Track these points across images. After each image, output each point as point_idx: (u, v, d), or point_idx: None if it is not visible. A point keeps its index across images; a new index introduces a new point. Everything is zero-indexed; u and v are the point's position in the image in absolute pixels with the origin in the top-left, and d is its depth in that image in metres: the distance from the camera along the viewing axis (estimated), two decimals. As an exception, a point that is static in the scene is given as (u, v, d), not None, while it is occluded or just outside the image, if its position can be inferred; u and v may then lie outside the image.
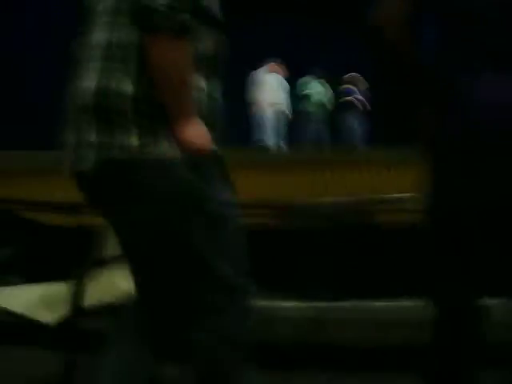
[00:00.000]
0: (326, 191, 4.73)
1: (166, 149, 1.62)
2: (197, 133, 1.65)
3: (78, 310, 2.23)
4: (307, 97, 9.91)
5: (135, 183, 1.64)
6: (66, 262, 2.31)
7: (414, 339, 2.45)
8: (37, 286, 2.50)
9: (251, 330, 1.77)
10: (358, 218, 3.20)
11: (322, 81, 10.04)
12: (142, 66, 1.62)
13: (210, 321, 1.72)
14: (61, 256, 2.94)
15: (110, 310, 2.27)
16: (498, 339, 2.10)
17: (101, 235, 2.36)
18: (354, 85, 10.00)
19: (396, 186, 4.76)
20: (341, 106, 9.94)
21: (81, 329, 2.28)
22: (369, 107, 9.91)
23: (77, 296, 2.23)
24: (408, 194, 2.91)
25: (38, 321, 2.26)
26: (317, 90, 9.98)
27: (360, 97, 9.92)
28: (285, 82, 9.57)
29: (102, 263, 2.40)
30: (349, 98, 9.90)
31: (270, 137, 9.28)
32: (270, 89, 9.34)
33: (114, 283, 2.27)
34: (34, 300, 2.36)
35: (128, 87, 1.62)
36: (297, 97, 9.81)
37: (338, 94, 10.03)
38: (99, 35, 1.69)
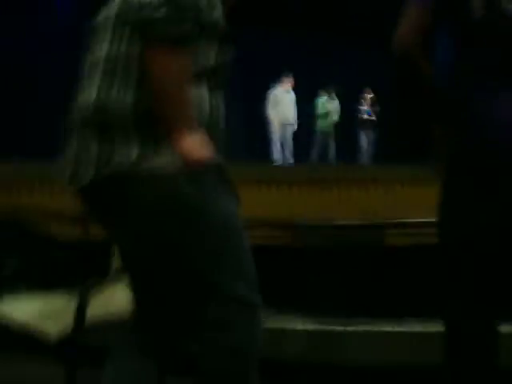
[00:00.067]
0: (333, 209, 4.72)
1: (165, 161, 1.61)
2: (196, 145, 1.63)
3: (80, 323, 2.20)
4: (317, 115, 9.96)
5: (133, 196, 1.63)
6: (72, 273, 2.30)
7: (425, 362, 2.42)
8: (41, 296, 2.48)
9: (260, 345, 1.72)
10: (371, 239, 3.17)
11: (333, 96, 10.07)
12: (141, 79, 1.61)
13: (214, 335, 1.68)
14: (67, 267, 2.93)
15: (112, 324, 2.24)
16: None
17: (109, 247, 2.34)
18: (369, 103, 10.04)
19: (405, 204, 4.75)
20: (357, 124, 10.00)
21: (83, 343, 2.24)
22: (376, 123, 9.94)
23: (80, 309, 2.20)
24: (422, 219, 2.88)
25: (41, 331, 2.24)
26: (327, 107, 10.02)
27: (371, 114, 9.96)
28: (293, 96, 9.62)
29: (107, 275, 2.38)
30: (365, 116, 9.95)
31: (280, 153, 9.34)
32: (282, 107, 9.40)
33: (118, 296, 2.24)
34: (37, 310, 2.35)
35: (128, 100, 1.61)
36: (312, 115, 9.86)
37: (354, 111, 10.06)
38: (101, 48, 1.69)
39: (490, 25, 1.78)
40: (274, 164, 9.17)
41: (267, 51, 10.11)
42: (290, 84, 9.55)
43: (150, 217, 1.64)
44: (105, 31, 1.69)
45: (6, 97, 8.30)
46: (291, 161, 9.44)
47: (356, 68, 10.55)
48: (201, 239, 1.66)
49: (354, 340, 2.88)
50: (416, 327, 2.85)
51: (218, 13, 1.68)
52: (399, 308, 2.98)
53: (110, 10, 1.71)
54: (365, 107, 10.09)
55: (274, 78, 9.51)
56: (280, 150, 9.44)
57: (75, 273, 2.49)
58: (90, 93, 1.67)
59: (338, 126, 9.99)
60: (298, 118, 9.68)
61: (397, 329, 2.85)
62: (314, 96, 10.07)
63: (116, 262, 2.27)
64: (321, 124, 9.99)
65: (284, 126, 9.42)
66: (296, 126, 9.64)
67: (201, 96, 1.67)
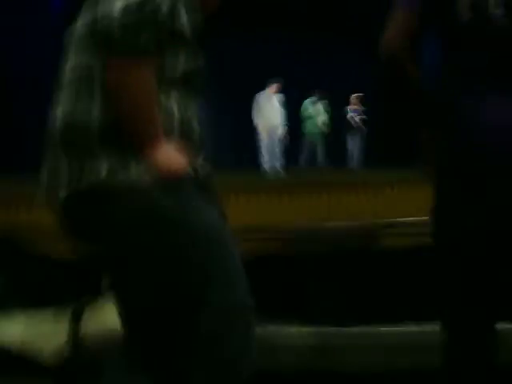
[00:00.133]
0: (324, 214, 4.72)
1: (137, 175, 1.59)
2: (166, 156, 1.60)
3: (75, 342, 2.18)
4: (305, 119, 9.97)
5: (108, 212, 1.61)
6: (66, 292, 2.28)
7: (423, 365, 2.41)
8: (35, 315, 2.46)
9: (254, 356, 1.68)
10: (362, 243, 3.16)
11: (321, 101, 10.09)
12: (106, 92, 1.59)
13: (206, 348, 1.63)
14: (61, 285, 2.90)
15: (107, 342, 2.22)
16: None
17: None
18: (356, 102, 10.07)
19: (395, 207, 4.76)
20: (345, 127, 10.02)
21: (79, 362, 2.22)
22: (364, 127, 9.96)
23: (75, 328, 2.18)
24: (411, 218, 2.88)
25: (35, 351, 2.22)
26: (315, 111, 10.03)
27: (361, 117, 9.99)
28: (281, 101, 9.61)
29: (100, 293, 2.36)
30: (352, 119, 9.97)
31: (268, 160, 9.33)
32: (269, 111, 9.39)
33: (112, 313, 2.22)
34: (31, 329, 2.33)
35: (94, 115, 1.59)
36: (298, 119, 9.87)
37: (343, 114, 10.07)
38: (70, 63, 1.67)
39: (476, 28, 1.78)
40: (263, 171, 9.14)
41: (255, 57, 10.12)
42: (275, 89, 9.54)
43: (127, 232, 1.61)
44: (74, 43, 1.68)
45: (5, 112, 8.27)
46: (279, 166, 9.42)
47: (344, 71, 10.58)
48: (182, 252, 1.62)
49: (351, 345, 2.88)
50: (413, 329, 2.85)
51: (183, 20, 1.64)
52: (395, 311, 2.98)
53: (79, 21, 1.69)
54: (352, 107, 10.09)
55: (262, 85, 9.50)
56: (268, 157, 9.42)
57: (69, 291, 2.46)
58: (58, 109, 1.65)
59: (326, 129, 9.99)
60: (287, 123, 9.66)
61: (394, 330, 2.84)
62: (303, 100, 10.06)
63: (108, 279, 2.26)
64: (307, 127, 9.98)
65: (270, 131, 9.40)
66: (282, 130, 9.61)
67: (170, 106, 1.65)
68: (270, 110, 9.45)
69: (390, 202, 5.03)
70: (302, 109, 10.00)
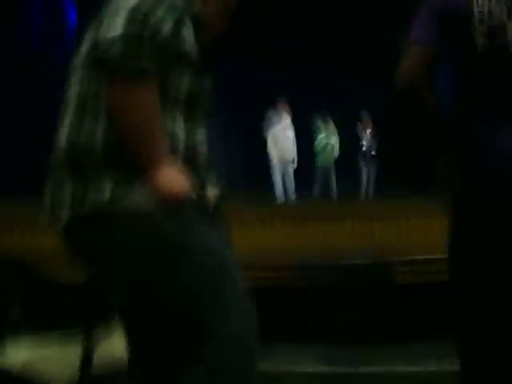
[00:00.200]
0: (337, 244, 4.68)
1: (140, 198, 1.57)
2: (169, 179, 1.58)
3: (87, 369, 2.14)
4: (316, 149, 9.98)
5: (110, 235, 1.59)
6: (75, 317, 2.25)
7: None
8: (44, 341, 2.44)
9: None
10: (377, 276, 3.13)
11: (331, 129, 10.11)
12: (110, 116, 1.58)
13: (204, 378, 1.58)
14: (69, 310, 2.87)
15: (118, 368, 2.18)
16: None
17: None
18: (365, 134, 10.08)
19: (408, 238, 4.72)
20: (358, 155, 10.02)
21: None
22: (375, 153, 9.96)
23: (86, 355, 2.15)
24: (427, 257, 2.84)
25: (46, 378, 2.19)
26: (326, 141, 10.05)
27: (369, 147, 9.99)
28: (292, 133, 9.63)
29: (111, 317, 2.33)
30: (365, 146, 9.97)
31: (281, 190, 9.34)
32: (280, 143, 9.42)
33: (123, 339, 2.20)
34: (41, 356, 2.31)
35: (98, 139, 1.59)
36: (306, 146, 9.87)
37: (353, 142, 10.08)
38: (73, 90, 1.67)
39: (492, 56, 1.77)
40: (277, 201, 9.13)
41: (263, 82, 10.17)
42: (285, 110, 9.55)
43: (128, 255, 1.59)
44: (78, 69, 1.68)
45: (8, 135, 8.35)
46: (293, 197, 9.43)
47: (354, 98, 10.60)
48: (182, 277, 1.59)
49: (367, 381, 2.82)
50: (430, 366, 2.79)
51: (188, 41, 1.64)
52: (410, 347, 2.93)
53: (84, 44, 1.69)
54: (364, 140, 10.11)
55: (269, 109, 9.52)
56: (282, 187, 9.44)
57: (78, 316, 2.44)
58: (63, 134, 1.65)
59: (338, 159, 9.99)
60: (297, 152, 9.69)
61: (410, 369, 2.79)
62: (310, 125, 10.08)
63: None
64: (320, 159, 10.00)
65: (284, 162, 9.43)
66: (295, 164, 9.64)
67: (175, 128, 1.64)
68: (284, 142, 9.48)
69: (404, 233, 4.99)
70: (317, 142, 10.01)
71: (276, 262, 3.44)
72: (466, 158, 1.80)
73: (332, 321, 3.07)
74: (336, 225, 5.03)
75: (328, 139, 10.06)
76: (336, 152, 10.07)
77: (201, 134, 1.71)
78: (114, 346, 2.26)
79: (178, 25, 1.60)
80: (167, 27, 1.57)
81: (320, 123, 10.08)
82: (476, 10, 1.77)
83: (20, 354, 2.34)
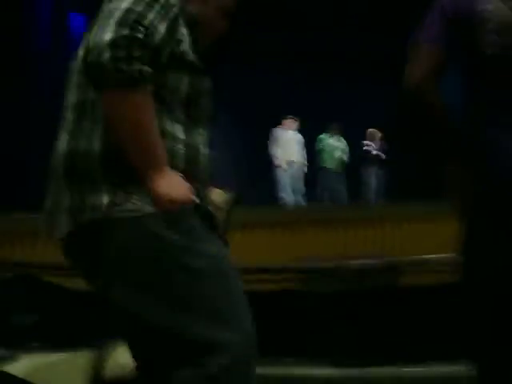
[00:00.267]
0: (342, 249, 4.68)
1: (139, 205, 1.54)
2: (169, 186, 1.55)
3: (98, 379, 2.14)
4: (323, 152, 9.94)
5: (107, 243, 1.56)
6: (91, 329, 2.24)
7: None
8: (58, 354, 2.43)
9: None
10: (384, 280, 3.12)
11: (338, 135, 10.08)
12: (106, 124, 1.56)
13: None
14: (86, 322, 2.86)
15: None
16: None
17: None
18: (373, 140, 10.05)
19: (412, 242, 4.71)
20: (360, 161, 9.99)
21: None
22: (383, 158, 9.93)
23: (98, 368, 2.14)
24: (434, 256, 2.84)
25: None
26: (333, 145, 10.02)
27: (379, 152, 9.96)
28: (300, 137, 9.61)
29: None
30: (369, 153, 9.94)
31: (289, 194, 9.31)
32: (288, 146, 9.40)
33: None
34: (54, 369, 2.29)
35: (95, 147, 1.56)
36: (315, 152, 9.85)
37: (358, 149, 10.05)
38: (72, 96, 1.65)
39: (502, 62, 1.77)
40: (284, 205, 9.10)
41: (271, 91, 10.15)
42: (293, 125, 9.55)
43: (127, 262, 1.56)
44: (75, 74, 1.65)
45: (7, 148, 8.33)
46: (302, 202, 9.38)
47: (361, 103, 10.59)
48: (178, 283, 1.56)
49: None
50: (442, 369, 2.77)
51: (185, 42, 1.61)
52: (415, 350, 2.92)
53: (80, 51, 1.66)
54: (373, 144, 10.08)
55: (277, 119, 9.52)
56: (289, 192, 9.39)
57: (94, 327, 2.43)
58: (62, 142, 1.63)
59: (346, 164, 9.96)
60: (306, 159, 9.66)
61: (421, 372, 2.78)
62: (318, 135, 10.06)
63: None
64: (325, 161, 9.95)
65: (294, 169, 9.39)
66: (306, 168, 9.62)
67: (174, 131, 1.61)
68: (292, 145, 9.45)
69: (408, 237, 4.99)
70: (317, 142, 9.97)
71: (282, 265, 3.43)
72: (477, 162, 1.79)
73: (338, 326, 3.07)
74: (344, 229, 5.04)
75: (333, 143, 10.03)
76: (345, 156, 10.03)
77: (202, 136, 1.69)
78: (125, 359, 2.25)
79: (173, 25, 1.57)
80: (162, 28, 1.54)
81: (329, 130, 10.04)
82: (486, 12, 1.77)
83: (32, 367, 2.33)
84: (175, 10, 1.60)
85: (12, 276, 3.35)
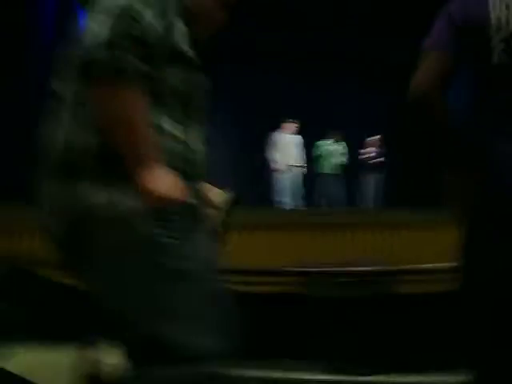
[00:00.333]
0: (341, 254, 4.67)
1: (125, 201, 1.55)
2: (159, 182, 1.55)
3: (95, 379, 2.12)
4: (322, 158, 9.95)
5: (90, 239, 1.58)
6: (82, 324, 2.23)
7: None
8: (46, 349, 2.42)
9: None
10: (384, 287, 3.11)
11: (338, 141, 10.08)
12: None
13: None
14: (76, 316, 2.85)
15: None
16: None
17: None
18: (374, 147, 10.06)
19: (409, 248, 4.71)
20: (359, 167, 9.99)
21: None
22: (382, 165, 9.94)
23: (86, 363, 2.13)
24: (438, 264, 2.83)
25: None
26: (331, 149, 10.02)
27: (377, 157, 9.97)
28: (299, 139, 9.61)
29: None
30: (368, 160, 9.95)
31: (288, 198, 9.30)
32: (287, 150, 9.39)
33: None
34: (40, 363, 2.28)
35: (91, 141, 1.57)
36: (313, 158, 9.86)
37: (358, 156, 10.06)
38: (66, 90, 1.65)
39: (509, 67, 1.76)
40: (284, 208, 9.08)
41: (271, 97, 10.14)
42: (292, 127, 9.54)
43: (105, 258, 1.58)
44: (68, 68, 1.65)
45: (6, 140, 8.32)
46: (301, 205, 9.38)
47: (361, 110, 10.59)
48: (153, 283, 1.57)
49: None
50: (439, 379, 2.76)
51: (181, 38, 1.62)
52: (413, 358, 2.91)
53: (74, 46, 1.66)
54: (371, 149, 10.08)
55: (276, 119, 9.51)
56: (288, 196, 9.38)
57: (82, 323, 2.42)
58: (57, 134, 1.63)
59: (344, 169, 9.96)
60: (305, 164, 9.65)
61: (419, 381, 2.77)
62: (318, 136, 10.06)
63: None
64: (323, 167, 9.95)
65: (293, 173, 9.38)
66: (305, 170, 9.62)
67: (166, 127, 1.61)
68: (291, 148, 9.44)
69: (406, 244, 4.97)
70: (315, 148, 9.96)
71: (282, 268, 3.42)
72: (481, 171, 1.79)
73: (338, 331, 3.06)
74: (342, 233, 5.03)
75: (330, 147, 10.03)
76: (344, 159, 10.03)
77: (198, 133, 1.69)
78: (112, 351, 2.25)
79: (169, 21, 1.58)
80: (159, 25, 1.55)
81: (330, 136, 10.04)
82: (494, 20, 1.77)
83: (23, 362, 2.33)
84: (172, 4, 1.61)
85: (6, 269, 3.34)
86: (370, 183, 9.99)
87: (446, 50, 1.80)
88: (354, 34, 10.08)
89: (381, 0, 9.55)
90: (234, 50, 9.46)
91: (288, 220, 5.60)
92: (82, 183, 1.57)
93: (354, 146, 10.09)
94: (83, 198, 1.56)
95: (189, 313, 1.58)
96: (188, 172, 1.64)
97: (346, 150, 10.07)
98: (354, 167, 10.02)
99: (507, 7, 1.77)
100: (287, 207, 9.09)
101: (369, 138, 10.10)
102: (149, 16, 1.53)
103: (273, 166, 9.35)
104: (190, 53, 1.65)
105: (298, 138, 9.56)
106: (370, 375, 2.81)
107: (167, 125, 1.61)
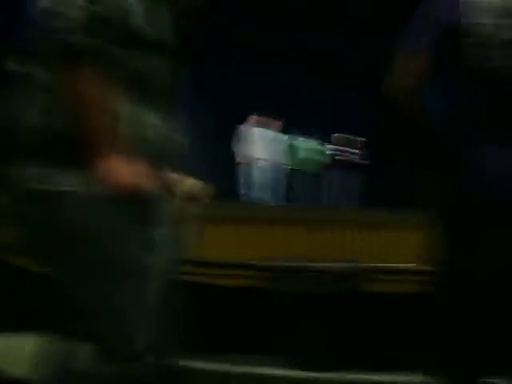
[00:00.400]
0: (308, 250, 4.67)
1: (75, 183, 1.53)
2: (119, 169, 1.52)
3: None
4: (294, 153, 9.93)
5: (30, 218, 1.58)
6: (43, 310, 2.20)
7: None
8: (8, 335, 2.39)
9: None
10: (356, 285, 3.11)
11: (313, 138, 10.07)
12: (52, 101, 1.54)
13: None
14: (43, 305, 2.81)
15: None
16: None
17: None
18: (345, 145, 10.07)
19: (385, 248, 4.72)
20: (331, 165, 10.01)
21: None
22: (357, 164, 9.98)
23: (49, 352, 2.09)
24: (408, 265, 2.84)
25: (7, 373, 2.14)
26: (305, 147, 10.01)
27: (351, 156, 9.99)
28: (273, 136, 9.56)
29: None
30: (338, 157, 9.97)
31: (255, 192, 9.25)
32: (257, 143, 9.33)
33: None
34: (3, 349, 2.25)
35: (38, 123, 1.55)
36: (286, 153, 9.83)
37: (328, 152, 10.09)
38: (22, 71, 1.62)
39: (487, 70, 1.76)
40: (245, 199, 9.03)
41: (255, 94, 10.10)
42: (263, 121, 9.46)
43: (55, 244, 1.57)
44: (26, 49, 1.63)
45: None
46: (270, 203, 9.35)
47: (342, 111, 10.60)
48: (87, 270, 1.56)
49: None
50: (401, 376, 2.78)
51: (139, 20, 1.59)
52: (379, 357, 2.92)
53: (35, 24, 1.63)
54: (352, 150, 10.11)
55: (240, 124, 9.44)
56: (256, 189, 9.33)
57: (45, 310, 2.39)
58: (8, 115, 1.60)
59: (321, 166, 9.98)
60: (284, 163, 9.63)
61: (384, 379, 2.78)
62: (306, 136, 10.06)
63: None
64: (301, 164, 9.93)
65: (261, 166, 9.34)
66: (287, 167, 9.60)
67: (119, 110, 1.57)
68: (257, 142, 9.37)
69: (382, 244, 4.99)
70: (289, 144, 9.92)
71: (247, 267, 3.40)
72: (460, 174, 1.80)
73: (303, 326, 3.05)
74: (315, 231, 5.03)
75: (314, 146, 10.04)
76: (323, 158, 10.04)
77: (152, 118, 1.63)
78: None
79: (129, 4, 1.57)
80: (119, 6, 1.54)
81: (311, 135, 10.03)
82: (473, 23, 1.76)
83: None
84: None
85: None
86: (345, 182, 10.02)
87: (428, 53, 1.78)
88: (355, 32, 10.11)
89: (379, 2, 9.59)
90: (222, 44, 9.41)
91: (256, 214, 5.59)
92: (29, 161, 1.54)
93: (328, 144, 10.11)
94: (26, 179, 1.54)
95: (132, 308, 1.56)
96: (150, 159, 1.59)
97: (323, 147, 10.07)
98: (332, 165, 10.05)
99: (493, 11, 1.76)
100: (266, 203, 9.05)
101: (336, 135, 10.10)
102: None
103: (237, 158, 9.27)
104: (148, 32, 1.61)
105: (270, 131, 9.49)
106: (331, 371, 2.82)
107: (122, 107, 1.58)
